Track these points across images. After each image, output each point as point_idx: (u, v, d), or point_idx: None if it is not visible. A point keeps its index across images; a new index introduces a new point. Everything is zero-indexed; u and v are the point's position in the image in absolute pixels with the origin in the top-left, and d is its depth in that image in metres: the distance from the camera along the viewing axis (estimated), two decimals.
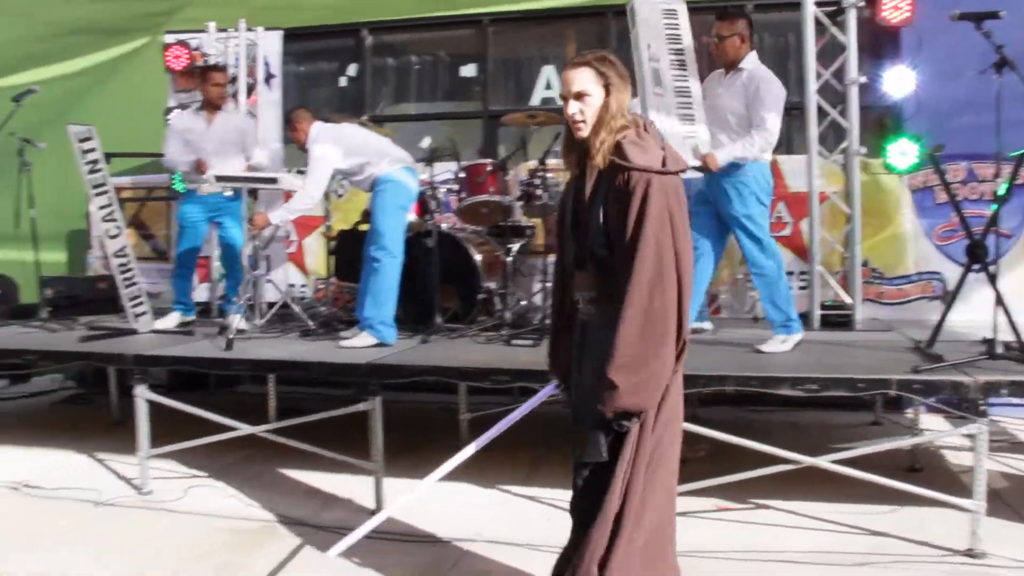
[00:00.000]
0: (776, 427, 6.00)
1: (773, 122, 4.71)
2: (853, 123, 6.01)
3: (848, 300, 6.06)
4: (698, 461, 5.02)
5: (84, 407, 7.41)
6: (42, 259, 6.72)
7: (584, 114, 2.76)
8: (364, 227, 5.89)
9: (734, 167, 4.76)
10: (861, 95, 6.03)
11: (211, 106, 6.29)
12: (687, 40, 5.03)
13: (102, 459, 5.47)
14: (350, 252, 6.31)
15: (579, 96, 2.75)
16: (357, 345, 5.12)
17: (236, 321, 5.46)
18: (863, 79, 5.99)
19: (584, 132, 2.76)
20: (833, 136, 6.37)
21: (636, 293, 2.60)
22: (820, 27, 6.07)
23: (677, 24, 5.06)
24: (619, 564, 2.69)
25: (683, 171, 2.77)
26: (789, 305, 4.90)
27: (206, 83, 6.28)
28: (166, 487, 4.83)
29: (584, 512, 2.83)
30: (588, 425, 2.76)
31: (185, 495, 4.72)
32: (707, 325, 5.74)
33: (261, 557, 3.81)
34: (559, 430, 6.15)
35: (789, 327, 4.88)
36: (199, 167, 6.06)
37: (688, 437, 4.91)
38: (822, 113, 6.12)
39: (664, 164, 2.68)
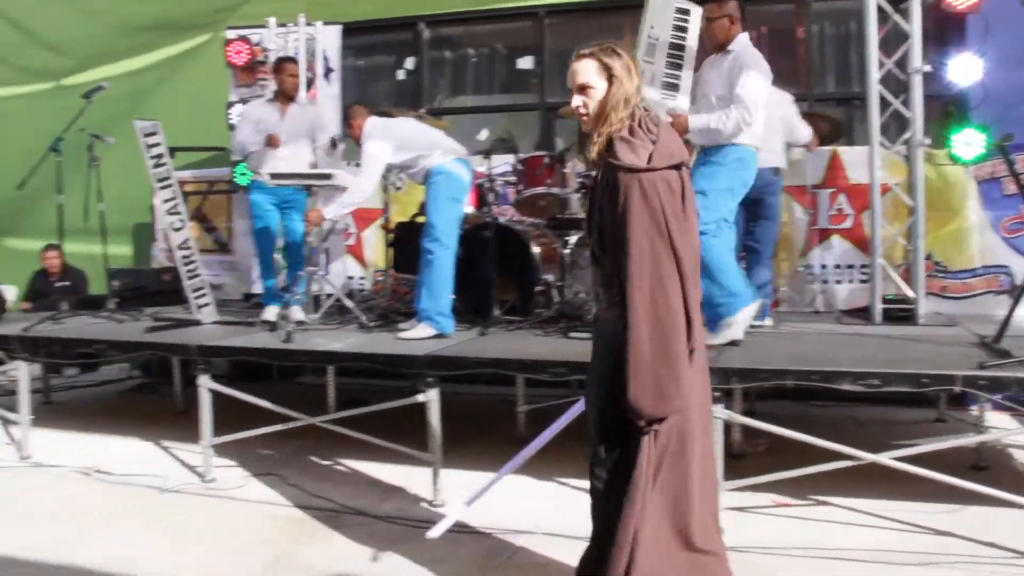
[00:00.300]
0: (836, 422, 5.91)
1: (752, 100, 4.56)
2: (917, 113, 5.87)
3: (911, 294, 5.94)
4: (757, 456, 5.00)
5: (150, 396, 7.60)
6: (109, 252, 6.88)
7: (588, 107, 2.74)
8: (421, 219, 5.93)
9: (717, 147, 4.65)
10: (925, 84, 5.88)
11: (285, 97, 6.34)
12: (691, 42, 4.90)
13: (167, 447, 5.60)
14: (408, 244, 6.36)
15: (583, 89, 2.73)
16: (415, 336, 5.16)
17: (296, 313, 5.54)
18: (927, 67, 5.85)
19: (588, 126, 2.75)
20: (896, 126, 6.24)
21: (638, 299, 2.56)
22: (882, 15, 5.94)
23: (687, 23, 4.89)
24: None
25: (675, 166, 2.65)
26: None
27: (282, 74, 6.33)
28: (228, 475, 4.93)
29: (605, 517, 2.83)
30: (592, 418, 2.79)
31: (247, 483, 4.81)
32: (767, 321, 5.67)
33: (321, 546, 3.87)
34: None
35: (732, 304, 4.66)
36: (271, 141, 6.13)
37: (747, 431, 4.91)
38: (884, 103, 5.98)
39: (650, 160, 2.60)
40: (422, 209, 6.19)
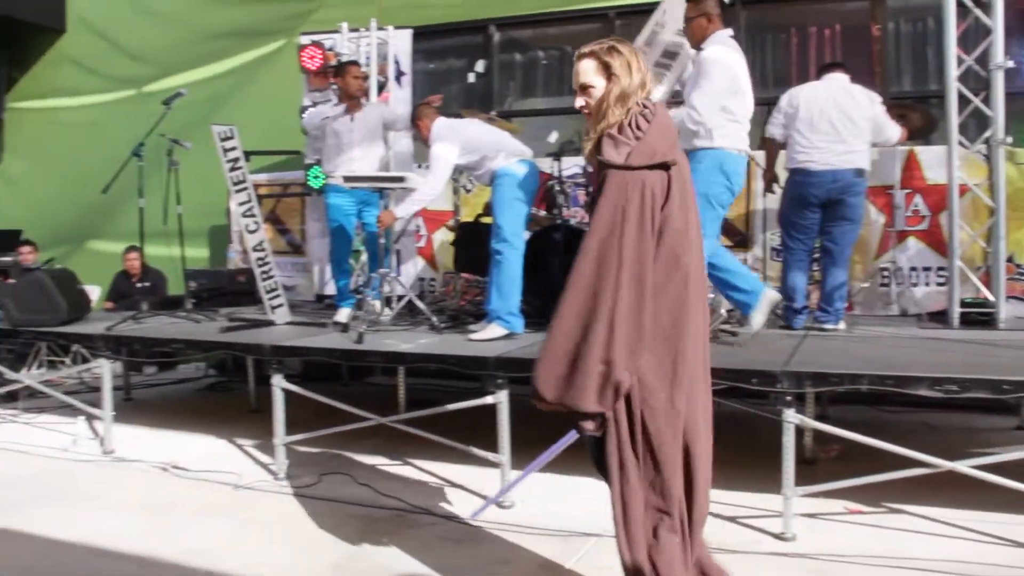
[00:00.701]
0: (910, 428, 5.79)
1: (702, 105, 4.60)
2: (998, 111, 5.71)
3: (990, 298, 5.78)
4: (829, 461, 4.92)
5: (224, 394, 7.78)
6: (187, 254, 7.04)
7: (588, 106, 2.77)
8: (485, 220, 5.96)
9: (692, 150, 4.66)
10: (1007, 80, 5.72)
11: (352, 100, 6.41)
12: (686, 49, 5.07)
13: (241, 444, 5.72)
14: (470, 244, 6.39)
15: (583, 88, 2.76)
16: (486, 337, 5.20)
17: (373, 313, 5.62)
18: (1010, 63, 5.68)
19: (591, 123, 2.77)
20: (975, 125, 6.08)
21: (570, 292, 2.63)
22: (962, 9, 5.79)
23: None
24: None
25: (659, 165, 2.63)
26: None
27: (346, 76, 6.40)
28: (301, 473, 5.02)
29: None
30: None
31: (318, 481, 4.88)
32: (841, 325, 5.57)
33: (391, 545, 3.91)
34: None
35: None
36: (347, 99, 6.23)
37: (819, 436, 4.83)
38: (963, 100, 5.83)
39: (627, 158, 2.60)
40: (486, 210, 6.22)
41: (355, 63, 6.75)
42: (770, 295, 4.92)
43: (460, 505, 4.46)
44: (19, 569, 3.69)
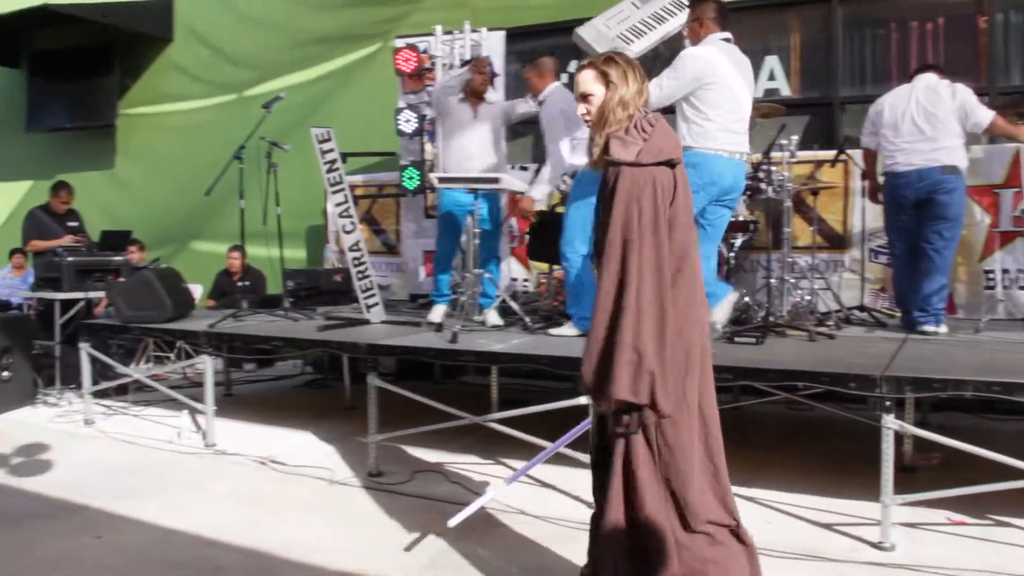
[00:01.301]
0: (1017, 437, 5.58)
1: (658, 80, 4.83)
2: None
3: None
4: (930, 469, 4.79)
5: (320, 391, 7.95)
6: (285, 254, 7.22)
7: (590, 113, 2.92)
8: (561, 209, 5.96)
9: None
10: None
11: (476, 96, 6.41)
12: (669, 24, 5.29)
13: (336, 440, 5.84)
14: (544, 233, 6.37)
15: (584, 97, 2.93)
16: (564, 334, 5.27)
17: (492, 318, 5.71)
18: None
19: (593, 130, 2.93)
20: None
21: (606, 282, 2.71)
22: None
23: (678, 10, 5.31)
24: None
25: (667, 163, 2.78)
26: None
27: (478, 71, 6.40)
28: (394, 470, 5.10)
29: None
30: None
31: (411, 479, 4.95)
32: (942, 328, 5.41)
33: (483, 544, 3.95)
34: (787, 431, 6.02)
35: None
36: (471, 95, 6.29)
37: (919, 443, 4.70)
38: None
39: (639, 156, 2.75)
40: (563, 199, 6.16)
41: (486, 59, 6.77)
42: (732, 296, 5.09)
43: (552, 505, 4.47)
44: (134, 553, 3.85)
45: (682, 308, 2.76)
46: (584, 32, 5.26)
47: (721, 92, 4.81)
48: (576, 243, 5.26)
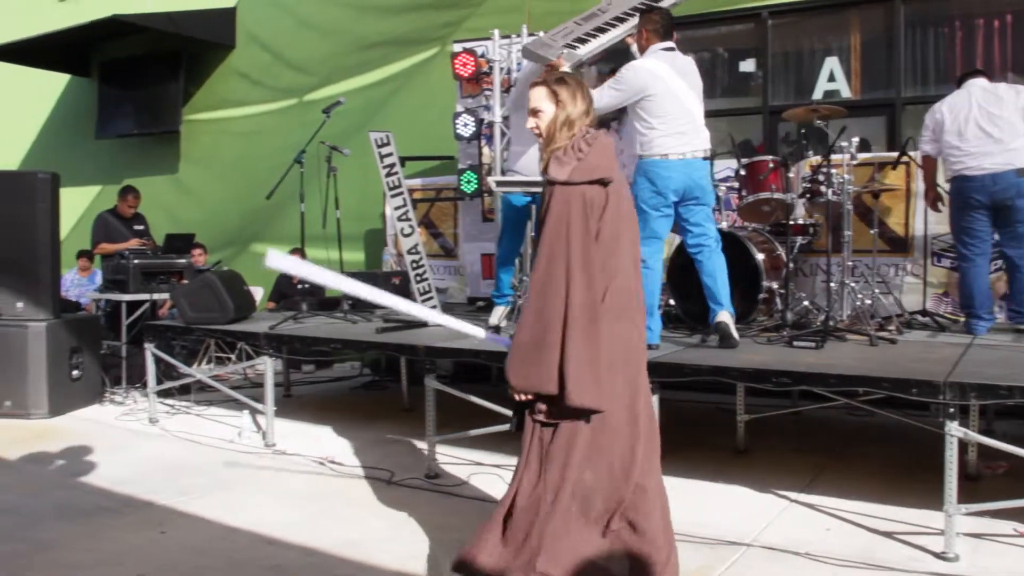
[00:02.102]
0: None
1: (601, 90, 5.04)
2: None
3: None
4: (995, 478, 4.68)
5: (378, 393, 8.02)
6: (344, 257, 7.30)
7: (540, 128, 3.12)
8: None
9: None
10: None
11: None
12: (614, 34, 5.59)
13: (393, 442, 5.89)
14: None
15: (535, 112, 3.12)
16: None
17: (499, 315, 5.72)
18: None
19: (544, 144, 3.12)
20: None
21: (532, 292, 2.95)
22: None
23: (625, 20, 5.61)
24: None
25: (599, 181, 2.96)
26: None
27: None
28: (451, 472, 5.13)
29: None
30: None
31: (468, 480, 4.97)
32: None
33: None
34: (847, 437, 5.94)
35: None
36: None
37: (984, 451, 4.60)
38: None
39: (571, 175, 2.94)
40: None
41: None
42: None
43: None
44: (196, 550, 3.92)
45: (611, 319, 2.95)
46: (532, 46, 5.55)
47: (664, 100, 5.00)
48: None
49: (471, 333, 3.61)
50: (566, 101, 3.08)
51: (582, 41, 5.49)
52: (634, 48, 5.56)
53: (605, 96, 5.08)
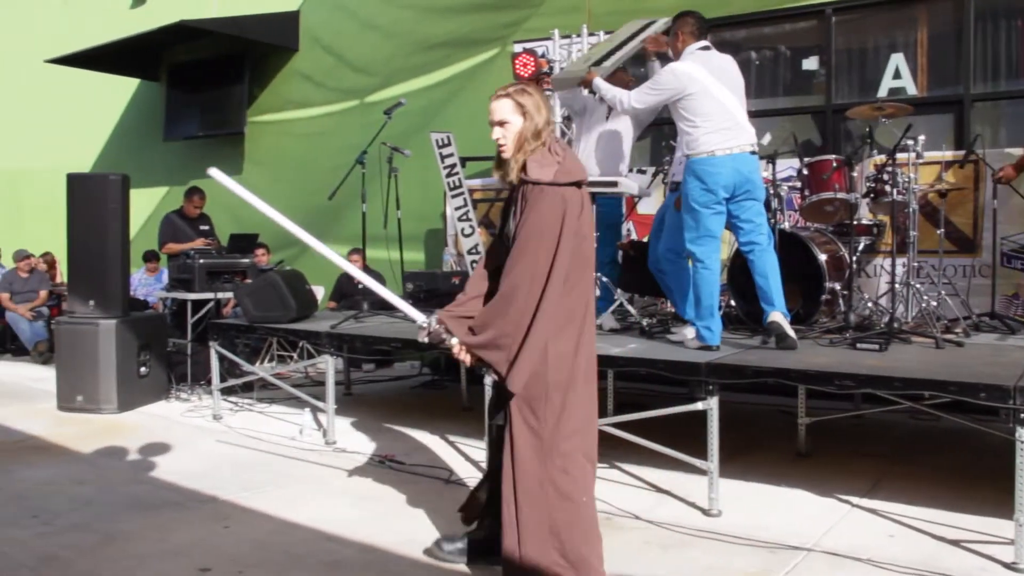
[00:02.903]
0: None
1: (639, 93, 5.20)
2: None
3: None
4: None
5: (438, 392, 8.07)
6: (404, 257, 7.36)
7: (506, 138, 3.32)
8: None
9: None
10: None
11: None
12: (624, 53, 5.90)
13: (452, 441, 5.92)
14: (637, 266, 6.30)
15: (501, 123, 3.33)
16: (685, 337, 5.26)
17: (607, 321, 5.71)
18: None
19: (507, 153, 3.33)
20: None
21: (508, 279, 3.22)
22: None
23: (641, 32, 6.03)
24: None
25: (576, 183, 3.27)
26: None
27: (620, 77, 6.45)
28: None
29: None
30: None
31: None
32: None
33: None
34: (911, 442, 5.82)
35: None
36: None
37: None
38: None
39: (554, 177, 3.20)
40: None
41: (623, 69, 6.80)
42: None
43: (667, 511, 4.44)
44: (258, 544, 3.99)
45: (582, 307, 3.31)
46: (559, 76, 6.03)
47: (703, 100, 5.02)
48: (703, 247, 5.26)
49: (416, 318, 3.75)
50: (532, 112, 3.31)
51: (605, 58, 5.75)
52: (652, 57, 5.91)
53: (644, 97, 5.17)
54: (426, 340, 3.50)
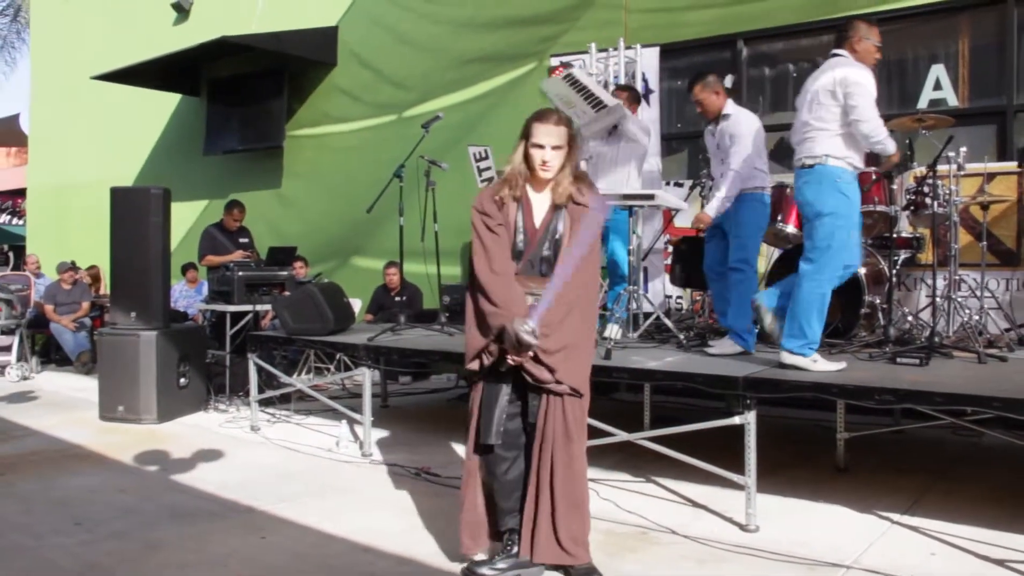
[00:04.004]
0: None
1: (866, 114, 4.76)
2: None
3: None
4: None
5: None
6: (441, 270, 7.39)
7: (557, 161, 3.59)
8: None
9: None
10: None
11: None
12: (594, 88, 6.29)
13: None
14: (690, 258, 6.34)
15: (557, 148, 3.58)
16: (722, 352, 5.25)
17: (614, 332, 5.67)
18: None
19: (550, 175, 3.62)
20: None
21: (569, 291, 3.55)
22: None
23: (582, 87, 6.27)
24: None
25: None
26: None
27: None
28: None
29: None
30: None
31: None
32: None
33: (634, 562, 3.93)
34: (952, 458, 5.74)
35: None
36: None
37: None
38: None
39: (605, 205, 3.71)
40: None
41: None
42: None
43: (703, 526, 4.41)
44: (294, 555, 4.02)
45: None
46: (595, 118, 6.37)
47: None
48: (753, 261, 5.39)
49: None
50: (575, 146, 3.66)
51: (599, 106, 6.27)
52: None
53: (874, 112, 4.78)
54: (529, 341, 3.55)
